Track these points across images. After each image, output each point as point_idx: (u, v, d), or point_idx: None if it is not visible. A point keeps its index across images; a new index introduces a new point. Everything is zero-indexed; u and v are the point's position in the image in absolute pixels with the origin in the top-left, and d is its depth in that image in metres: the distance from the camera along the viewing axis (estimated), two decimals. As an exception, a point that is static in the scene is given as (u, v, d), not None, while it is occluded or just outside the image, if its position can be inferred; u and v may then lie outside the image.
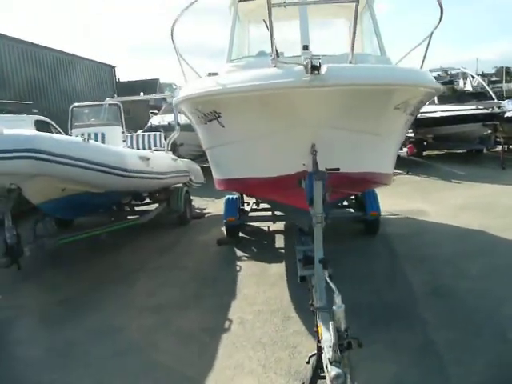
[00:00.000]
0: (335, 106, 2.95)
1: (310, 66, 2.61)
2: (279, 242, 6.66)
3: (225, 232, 6.73)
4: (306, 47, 4.38)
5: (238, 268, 5.59)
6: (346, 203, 7.07)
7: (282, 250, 6.30)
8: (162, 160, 6.76)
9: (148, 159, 6.15)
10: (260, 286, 4.91)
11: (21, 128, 8.13)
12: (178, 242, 6.95)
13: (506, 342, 3.52)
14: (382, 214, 7.76)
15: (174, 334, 4.00)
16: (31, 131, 4.68)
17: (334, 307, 2.46)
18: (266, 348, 3.64)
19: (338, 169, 3.09)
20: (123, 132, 7.74)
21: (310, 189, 2.89)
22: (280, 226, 7.14)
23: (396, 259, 5.65)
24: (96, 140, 7.40)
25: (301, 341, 3.71)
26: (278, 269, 5.42)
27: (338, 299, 2.46)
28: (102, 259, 6.23)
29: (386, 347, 3.54)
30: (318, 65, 2.62)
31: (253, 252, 6.24)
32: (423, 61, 4.27)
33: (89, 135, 7.36)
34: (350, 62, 3.01)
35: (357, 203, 6.72)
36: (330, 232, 6.84)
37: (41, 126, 9.22)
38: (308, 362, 2.73)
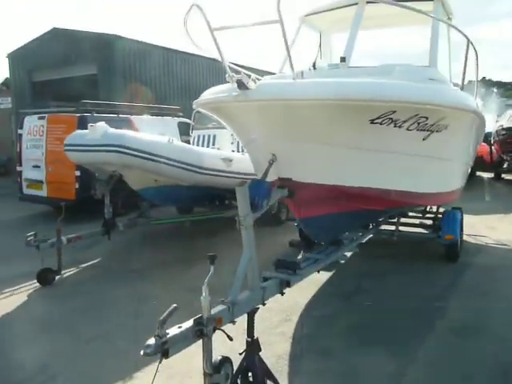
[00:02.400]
0: (281, 118, 3.07)
1: (236, 83, 2.85)
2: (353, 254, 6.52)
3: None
4: (343, 59, 4.41)
5: (285, 269, 5.82)
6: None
7: (342, 261, 6.20)
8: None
9: (230, 160, 6.85)
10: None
11: (167, 128, 9.82)
12: (260, 238, 7.45)
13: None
14: (488, 242, 6.92)
15: (185, 312, 4.56)
16: (125, 131, 5.85)
17: (201, 297, 2.69)
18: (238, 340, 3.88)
19: (290, 179, 3.20)
20: (232, 135, 8.60)
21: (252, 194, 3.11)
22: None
23: (453, 289, 5.08)
24: (208, 141, 8.48)
25: (278, 341, 3.86)
26: (320, 276, 5.45)
27: (205, 290, 2.68)
28: (186, 243, 7.27)
29: (353, 368, 3.46)
30: (243, 82, 2.81)
31: (313, 258, 6.33)
32: (463, 80, 3.95)
33: (203, 137, 8.52)
34: (294, 79, 3.01)
35: (436, 224, 6.15)
36: (405, 251, 6.46)
37: (183, 126, 10.89)
38: None
